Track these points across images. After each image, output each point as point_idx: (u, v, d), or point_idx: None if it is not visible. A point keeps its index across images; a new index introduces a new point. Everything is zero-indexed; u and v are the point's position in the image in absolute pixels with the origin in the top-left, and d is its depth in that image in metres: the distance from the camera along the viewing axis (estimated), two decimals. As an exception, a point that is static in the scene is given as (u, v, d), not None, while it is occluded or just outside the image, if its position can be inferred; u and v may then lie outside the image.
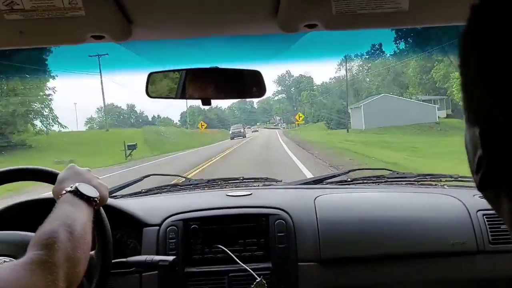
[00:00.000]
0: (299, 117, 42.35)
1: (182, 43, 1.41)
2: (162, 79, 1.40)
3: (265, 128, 75.23)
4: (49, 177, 1.19)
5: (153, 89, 1.39)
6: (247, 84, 1.36)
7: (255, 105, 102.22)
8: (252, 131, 57.05)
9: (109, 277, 1.23)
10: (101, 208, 1.20)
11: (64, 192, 1.04)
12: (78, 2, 0.92)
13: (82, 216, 0.99)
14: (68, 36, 1.09)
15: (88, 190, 1.06)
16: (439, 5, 0.98)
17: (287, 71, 69.47)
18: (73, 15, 0.95)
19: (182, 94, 1.38)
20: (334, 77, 58.14)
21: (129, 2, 0.97)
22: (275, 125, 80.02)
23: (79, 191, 1.03)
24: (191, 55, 1.52)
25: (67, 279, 0.82)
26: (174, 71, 1.39)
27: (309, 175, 8.94)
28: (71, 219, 0.93)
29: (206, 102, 1.36)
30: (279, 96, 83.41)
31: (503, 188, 0.40)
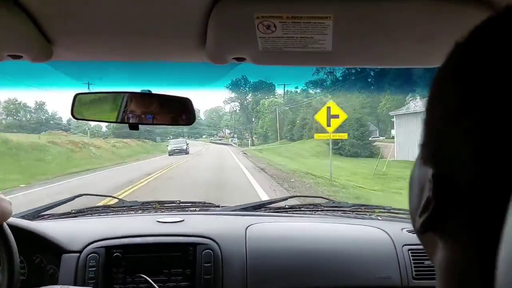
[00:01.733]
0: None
1: (113, 64, 1.37)
2: (88, 101, 1.35)
3: (211, 142, 66.06)
4: None
5: (79, 110, 1.33)
6: (177, 111, 1.34)
7: (201, 116, 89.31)
8: (197, 149, 41.43)
9: None
10: (4, 223, 1.13)
11: None
12: None
13: None
14: None
15: None
16: (361, 48, 1.01)
17: (243, 76, 54.81)
18: None
19: (110, 117, 1.33)
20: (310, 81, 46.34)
21: (47, 22, 0.94)
22: (221, 140, 69.01)
23: None
24: (121, 77, 1.49)
25: None
26: (102, 93, 1.34)
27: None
28: None
29: (134, 127, 1.32)
30: (231, 104, 68.16)
31: (441, 235, 0.40)
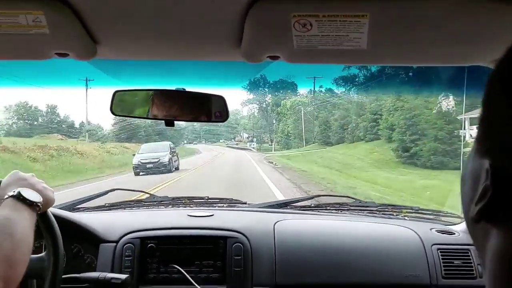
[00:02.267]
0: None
1: (149, 63, 1.43)
2: (127, 97, 1.40)
3: (228, 147, 60.14)
4: None
5: (118, 107, 1.39)
6: (211, 108, 1.38)
7: None
8: (213, 154, 38.62)
9: (60, 278, 1.23)
10: (48, 211, 1.22)
11: (6, 197, 1.05)
12: (42, 20, 0.94)
13: (23, 220, 1.02)
14: (32, 52, 1.10)
15: (31, 194, 1.08)
16: (396, 46, 1.03)
17: (262, 75, 47.41)
18: (37, 32, 0.96)
19: (146, 113, 1.39)
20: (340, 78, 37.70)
21: (94, 22, 0.99)
22: (238, 144, 62.47)
23: (21, 195, 1.06)
24: (158, 76, 1.54)
25: (4, 278, 0.86)
26: (139, 90, 1.40)
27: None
28: (12, 222, 0.97)
29: (170, 123, 1.37)
30: (250, 106, 62.00)
31: (496, 224, 0.42)
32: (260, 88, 52.59)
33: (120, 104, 1.40)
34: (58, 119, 42.15)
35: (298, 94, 48.17)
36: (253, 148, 52.21)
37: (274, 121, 55.35)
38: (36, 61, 1.15)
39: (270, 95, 54.71)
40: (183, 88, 1.38)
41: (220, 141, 72.56)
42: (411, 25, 0.90)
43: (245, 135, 68.55)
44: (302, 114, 44.69)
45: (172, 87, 1.38)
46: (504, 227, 0.41)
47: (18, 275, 0.93)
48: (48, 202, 1.16)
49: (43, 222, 1.21)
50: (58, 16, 0.92)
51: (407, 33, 0.94)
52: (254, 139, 57.49)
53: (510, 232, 0.41)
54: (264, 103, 57.44)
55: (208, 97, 1.38)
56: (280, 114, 50.47)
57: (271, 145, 51.18)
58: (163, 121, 1.37)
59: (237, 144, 63.71)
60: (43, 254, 1.24)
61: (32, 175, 1.18)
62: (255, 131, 60.45)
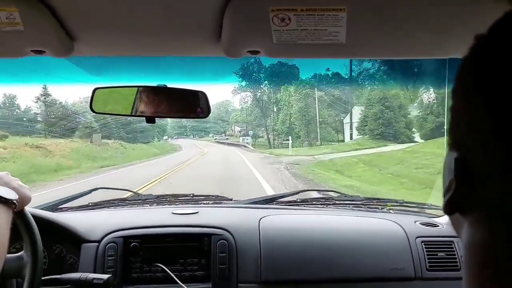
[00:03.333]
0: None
1: (130, 60, 1.41)
2: (107, 94, 1.38)
3: (217, 142, 53.81)
4: None
5: (98, 104, 1.37)
6: (192, 104, 1.37)
7: None
8: (192, 153, 31.45)
9: (40, 277, 1.22)
10: (25, 208, 1.21)
11: None
12: (16, 17, 0.92)
13: None
14: (7, 49, 1.08)
15: (5, 192, 1.07)
16: (375, 39, 1.03)
17: (256, 59, 36.63)
18: (12, 29, 0.94)
19: (127, 110, 1.37)
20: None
21: (69, 18, 0.97)
22: (229, 139, 55.58)
23: None
24: (138, 72, 1.52)
25: None
26: (120, 87, 1.38)
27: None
28: None
29: (151, 120, 1.35)
30: (242, 94, 50.58)
31: (466, 215, 0.42)
32: (254, 74, 43.99)
33: (100, 102, 1.38)
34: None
35: (301, 79, 39.40)
36: (248, 143, 44.21)
37: (271, 113, 47.11)
38: (11, 58, 1.12)
39: (266, 82, 45.56)
40: (164, 85, 1.36)
41: (210, 135, 67.20)
42: (389, 18, 0.90)
43: (237, 129, 60.34)
44: (316, 97, 36.53)
45: (154, 83, 1.37)
46: (470, 218, 0.42)
47: None
48: (24, 199, 1.16)
49: (20, 219, 1.20)
50: (33, 13, 0.90)
51: (386, 26, 0.94)
52: (250, 132, 49.22)
53: (475, 224, 0.41)
54: (259, 90, 48.46)
55: (189, 93, 1.37)
56: (280, 102, 42.64)
57: (270, 140, 44.05)
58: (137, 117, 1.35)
59: (227, 138, 57.49)
60: (21, 252, 1.23)
61: (6, 173, 1.17)
62: (249, 123, 52.26)
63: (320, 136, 36.65)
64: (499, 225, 0.38)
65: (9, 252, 1.15)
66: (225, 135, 62.30)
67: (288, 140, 32.76)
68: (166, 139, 56.34)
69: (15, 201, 1.08)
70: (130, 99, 1.36)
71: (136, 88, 1.36)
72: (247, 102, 52.04)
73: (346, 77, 36.41)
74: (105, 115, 1.43)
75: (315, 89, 36.78)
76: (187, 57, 1.37)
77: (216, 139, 59.76)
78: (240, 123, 59.23)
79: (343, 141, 35.40)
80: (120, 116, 1.39)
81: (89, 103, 1.37)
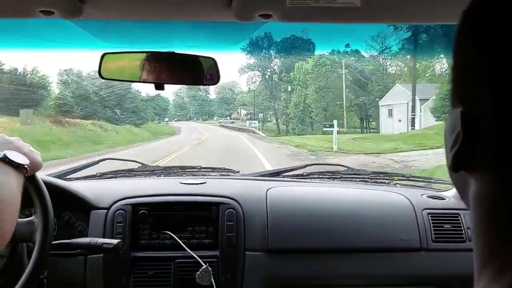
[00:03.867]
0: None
1: (138, 24, 1.39)
2: (116, 60, 1.37)
3: (222, 126, 48.20)
4: None
5: (106, 70, 1.36)
6: (201, 71, 1.36)
7: (212, 93, 66.59)
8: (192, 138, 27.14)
9: (51, 241, 1.23)
10: (37, 174, 1.22)
11: None
12: None
13: (10, 181, 1.02)
14: (16, 9, 1.07)
15: (17, 157, 1.08)
16: (390, 3, 1.01)
17: (266, 33, 34.01)
18: None
19: (135, 76, 1.36)
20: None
21: None
22: (234, 123, 50.43)
23: (8, 158, 1.05)
24: (147, 38, 1.51)
25: None
26: (128, 52, 1.37)
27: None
28: None
29: (160, 86, 1.34)
30: (250, 73, 44.30)
31: (471, 171, 0.42)
32: (263, 50, 38.26)
33: (109, 67, 1.37)
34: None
35: (316, 55, 33.06)
36: (255, 127, 38.54)
37: (282, 94, 40.16)
38: (21, 19, 1.11)
39: (277, 60, 38.71)
40: (172, 51, 1.35)
41: (214, 118, 62.09)
42: None
43: (243, 112, 55.60)
44: (344, 74, 30.42)
45: (162, 50, 1.36)
46: (478, 172, 0.42)
47: (6, 234, 0.94)
48: (35, 165, 1.16)
49: (31, 184, 1.20)
50: None
51: None
52: (260, 115, 42.55)
53: (483, 176, 0.41)
54: (269, 69, 41.37)
55: (198, 59, 1.35)
56: (294, 82, 35.23)
57: (276, 124, 39.23)
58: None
59: (232, 122, 51.97)
60: (32, 217, 1.24)
61: (18, 139, 1.17)
62: (257, 106, 46.14)
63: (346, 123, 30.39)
64: (508, 171, 0.38)
65: (20, 218, 1.17)
66: (230, 119, 57.36)
67: (331, 126, 21.17)
68: (167, 121, 54.87)
69: (26, 166, 1.09)
70: (139, 64, 1.35)
71: (145, 54, 1.35)
72: (255, 82, 45.79)
73: (366, 54, 32.26)
74: (114, 80, 1.42)
75: (343, 62, 30.60)
76: (198, 23, 1.36)
77: (220, 122, 54.20)
78: (247, 106, 54.92)
79: (375, 129, 31.31)
80: (128, 82, 1.37)
81: (97, 69, 1.36)
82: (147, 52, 1.35)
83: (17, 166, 1.06)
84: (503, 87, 0.37)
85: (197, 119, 64.69)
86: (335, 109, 32.43)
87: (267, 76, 43.26)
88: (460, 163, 0.43)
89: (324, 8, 0.99)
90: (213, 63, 1.34)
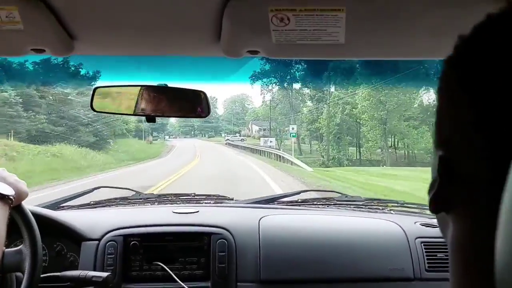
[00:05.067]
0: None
1: (131, 59, 1.41)
2: (108, 94, 1.39)
3: (228, 144, 39.69)
4: None
5: (98, 103, 1.38)
6: (193, 104, 1.38)
7: (219, 108, 61.40)
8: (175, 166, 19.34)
9: (40, 270, 1.23)
10: (23, 204, 1.23)
11: None
12: (15, 16, 0.92)
13: None
14: (7, 48, 1.09)
15: (2, 187, 1.09)
16: (373, 40, 1.03)
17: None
18: (11, 28, 0.95)
19: (128, 110, 1.38)
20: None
21: (69, 17, 0.97)
22: (244, 140, 41.08)
23: None
24: (139, 72, 1.53)
25: None
26: (120, 86, 1.39)
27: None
28: None
29: (151, 119, 1.36)
30: (263, 80, 34.98)
31: (450, 212, 0.43)
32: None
33: (101, 101, 1.39)
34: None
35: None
36: (271, 146, 29.36)
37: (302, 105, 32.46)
38: (12, 57, 1.13)
39: (299, 65, 29.40)
40: (164, 84, 1.37)
41: (222, 135, 53.77)
42: (388, 18, 0.90)
43: (255, 128, 46.71)
44: None
45: (154, 83, 1.38)
46: (454, 216, 0.43)
47: None
48: (21, 194, 1.17)
49: (17, 214, 1.21)
50: (32, 12, 0.91)
51: (385, 26, 0.94)
52: (293, 128, 29.74)
53: (458, 221, 0.42)
54: (289, 75, 32.07)
55: (190, 93, 1.38)
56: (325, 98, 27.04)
57: (297, 143, 30.33)
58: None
59: (242, 140, 42.21)
60: (21, 246, 1.24)
61: (3, 169, 1.18)
62: (273, 120, 37.09)
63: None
64: (483, 218, 0.38)
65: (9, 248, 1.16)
66: (240, 135, 48.20)
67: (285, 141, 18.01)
68: (165, 138, 50.69)
69: (11, 197, 1.10)
70: (130, 98, 1.37)
71: (137, 87, 1.37)
72: (270, 90, 35.93)
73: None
74: (106, 114, 1.44)
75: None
76: (188, 57, 1.38)
77: (227, 140, 44.08)
78: (260, 121, 46.55)
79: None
80: (121, 115, 1.39)
81: (89, 103, 1.37)
82: (139, 86, 1.37)
83: (2, 197, 1.07)
84: (485, 132, 0.37)
85: (202, 136, 59.61)
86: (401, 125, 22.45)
87: (285, 84, 34.25)
88: (438, 206, 0.44)
89: (310, 45, 1.02)
90: (203, 96, 1.36)
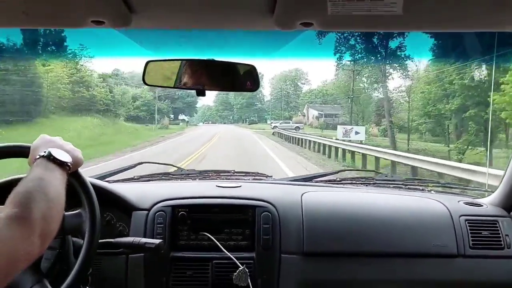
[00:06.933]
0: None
1: (181, 33, 1.45)
2: (159, 67, 1.43)
3: (276, 131, 28.68)
4: (22, 150, 1.21)
5: (150, 77, 1.42)
6: (242, 78, 1.40)
7: (266, 87, 45.28)
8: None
9: (99, 229, 1.28)
10: (79, 170, 1.26)
11: (37, 157, 1.09)
12: None
13: (55, 179, 1.05)
14: (69, 19, 1.13)
15: (61, 154, 1.11)
16: (432, 11, 1.02)
17: None
18: None
19: (177, 83, 1.42)
20: None
21: None
22: (298, 129, 29.30)
23: (52, 155, 1.08)
24: (188, 46, 1.56)
25: (42, 235, 0.90)
26: (171, 60, 1.42)
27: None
28: (45, 182, 1.00)
29: (201, 92, 1.39)
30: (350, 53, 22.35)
31: None
32: None
33: (152, 74, 1.43)
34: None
35: None
36: (359, 138, 19.35)
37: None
38: (73, 28, 1.18)
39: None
40: (212, 58, 1.40)
41: (267, 122, 41.95)
42: None
43: (313, 113, 35.42)
44: None
45: (203, 57, 1.41)
46: None
47: (53, 231, 0.97)
48: (77, 162, 1.20)
49: (75, 180, 1.25)
50: None
51: None
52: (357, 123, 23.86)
53: None
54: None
55: (238, 66, 1.40)
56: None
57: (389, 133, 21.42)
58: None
59: (297, 128, 30.31)
60: (79, 210, 1.29)
61: (59, 138, 1.21)
62: (341, 104, 28.33)
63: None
64: None
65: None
66: (292, 122, 35.18)
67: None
68: (187, 122, 41.16)
69: (69, 163, 1.12)
70: (180, 72, 1.41)
71: (186, 61, 1.41)
72: (340, 59, 23.91)
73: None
74: (156, 87, 1.48)
75: None
76: (238, 32, 1.40)
77: (275, 127, 32.02)
78: (319, 104, 35.40)
79: None
80: (170, 88, 1.43)
81: (141, 76, 1.42)
82: (188, 60, 1.41)
83: (61, 164, 1.09)
84: None
85: (243, 122, 47.48)
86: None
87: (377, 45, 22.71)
88: None
89: (366, 16, 1.01)
90: (252, 70, 1.38)
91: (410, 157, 10.17)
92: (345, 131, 20.61)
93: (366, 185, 2.13)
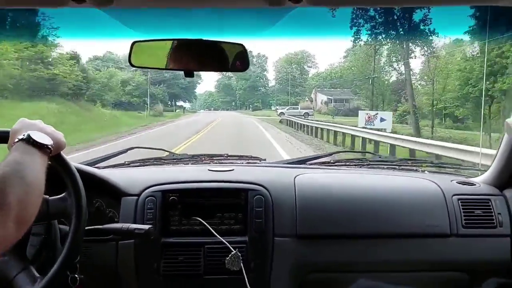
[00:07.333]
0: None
1: (167, 13, 1.40)
2: (145, 48, 1.39)
3: (285, 118, 26.61)
4: (2, 136, 1.15)
5: (136, 58, 1.38)
6: (230, 58, 1.36)
7: (270, 69, 45.14)
8: None
9: (86, 213, 1.24)
10: (62, 153, 1.21)
11: (16, 140, 1.04)
12: None
13: (34, 163, 1.01)
14: None
15: (41, 137, 1.07)
16: None
17: None
18: None
19: (165, 64, 1.38)
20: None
21: None
22: (307, 115, 27.26)
23: (31, 138, 1.04)
24: (176, 26, 1.52)
25: (18, 220, 0.88)
26: (158, 40, 1.39)
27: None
28: (22, 165, 0.97)
29: (189, 73, 1.36)
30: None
31: None
32: None
33: (139, 55, 1.39)
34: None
35: None
36: (385, 126, 16.29)
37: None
38: (52, 8, 1.13)
39: None
40: (200, 38, 1.36)
41: (272, 108, 40.34)
42: None
43: (322, 98, 33.01)
44: None
45: (191, 37, 1.37)
46: None
47: (30, 217, 0.94)
48: (59, 145, 1.15)
49: (57, 163, 1.20)
50: None
51: None
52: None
53: None
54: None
55: (227, 46, 1.36)
56: None
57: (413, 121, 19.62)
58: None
59: (306, 115, 28.33)
60: (64, 194, 1.24)
61: (40, 121, 1.16)
62: (359, 85, 25.56)
63: None
64: None
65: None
66: (300, 108, 32.47)
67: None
68: (184, 109, 40.25)
69: (50, 146, 1.08)
70: (167, 52, 1.37)
71: (173, 41, 1.37)
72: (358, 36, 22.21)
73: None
74: (143, 68, 1.44)
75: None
76: (226, 10, 1.36)
77: (281, 113, 30.33)
78: (328, 89, 32.55)
79: None
80: (158, 70, 1.39)
81: (127, 57, 1.38)
82: (175, 40, 1.37)
83: (41, 146, 1.05)
84: None
85: (247, 108, 44.38)
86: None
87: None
88: None
89: None
90: (242, 49, 1.34)
91: (462, 150, 8.00)
92: (368, 117, 17.84)
93: (360, 167, 2.11)
